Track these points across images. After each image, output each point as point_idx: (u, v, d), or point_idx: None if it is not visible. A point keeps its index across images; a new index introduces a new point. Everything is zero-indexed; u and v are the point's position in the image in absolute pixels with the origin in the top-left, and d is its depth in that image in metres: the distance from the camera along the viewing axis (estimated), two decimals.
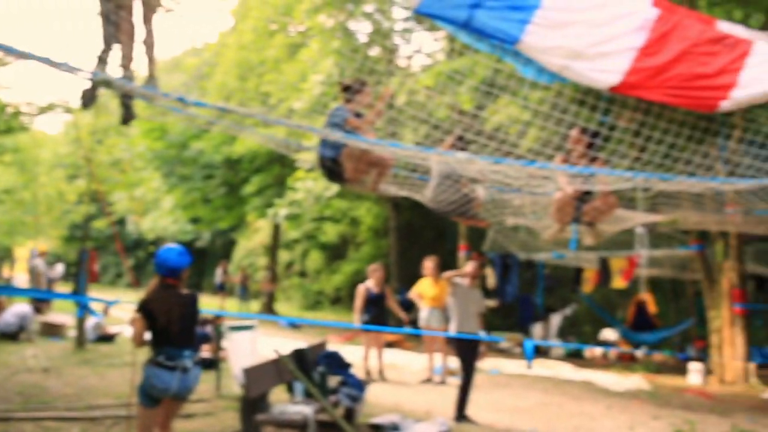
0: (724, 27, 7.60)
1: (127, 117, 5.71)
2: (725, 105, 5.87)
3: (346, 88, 6.35)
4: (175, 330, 5.27)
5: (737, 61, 5.91)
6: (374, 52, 15.06)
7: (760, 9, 12.87)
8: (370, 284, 11.58)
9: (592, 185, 6.62)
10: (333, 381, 7.55)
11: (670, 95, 5.81)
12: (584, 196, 6.86)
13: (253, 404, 6.60)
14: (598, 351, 17.75)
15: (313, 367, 7.45)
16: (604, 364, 16.25)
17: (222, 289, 26.29)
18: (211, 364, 10.40)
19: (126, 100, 5.64)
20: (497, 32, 5.95)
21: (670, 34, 5.88)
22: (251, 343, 9.48)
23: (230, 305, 26.03)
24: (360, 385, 7.73)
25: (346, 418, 7.42)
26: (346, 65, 7.21)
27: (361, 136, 5.87)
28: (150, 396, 5.32)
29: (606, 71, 5.78)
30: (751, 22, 13.58)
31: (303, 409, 6.64)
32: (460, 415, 8.49)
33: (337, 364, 7.86)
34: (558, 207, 6.79)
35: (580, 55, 5.79)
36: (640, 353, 16.66)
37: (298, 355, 7.42)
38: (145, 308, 5.34)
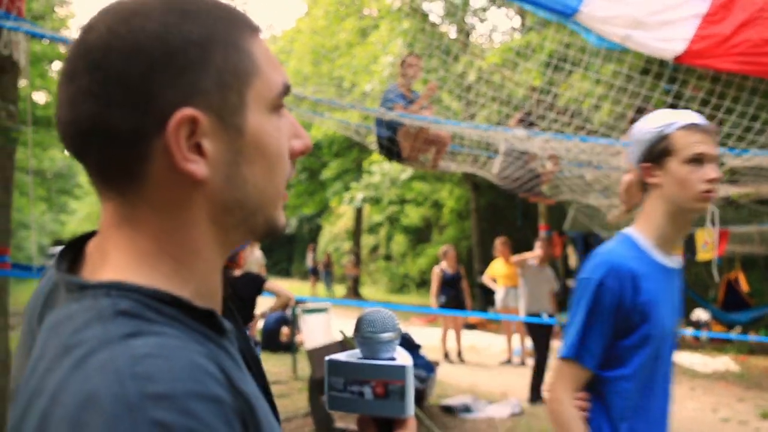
0: None
1: None
2: None
3: (401, 63, 6.33)
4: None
5: None
6: (448, 31, 14.89)
7: None
8: (444, 266, 11.51)
9: None
10: None
11: (738, 62, 5.51)
12: None
13: (319, 385, 6.65)
14: (689, 332, 17.16)
15: None
16: (695, 345, 15.67)
17: (315, 274, 26.71)
18: (288, 347, 10.58)
19: None
20: (555, 3, 5.78)
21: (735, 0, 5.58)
22: (325, 326, 9.60)
23: (320, 289, 26.37)
24: (429, 367, 7.65)
25: (415, 400, 7.38)
26: (416, 45, 7.15)
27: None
28: None
29: (670, 40, 5.54)
30: None
31: None
32: (535, 396, 8.34)
33: (405, 345, 7.80)
34: (625, 188, 6.55)
35: (641, 24, 5.57)
36: (733, 334, 15.99)
37: None
38: None
